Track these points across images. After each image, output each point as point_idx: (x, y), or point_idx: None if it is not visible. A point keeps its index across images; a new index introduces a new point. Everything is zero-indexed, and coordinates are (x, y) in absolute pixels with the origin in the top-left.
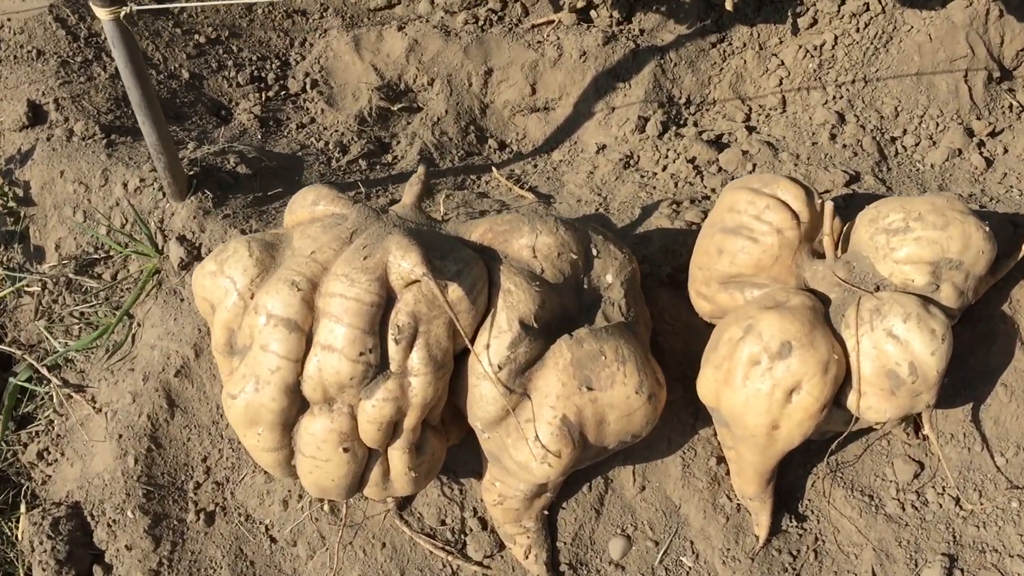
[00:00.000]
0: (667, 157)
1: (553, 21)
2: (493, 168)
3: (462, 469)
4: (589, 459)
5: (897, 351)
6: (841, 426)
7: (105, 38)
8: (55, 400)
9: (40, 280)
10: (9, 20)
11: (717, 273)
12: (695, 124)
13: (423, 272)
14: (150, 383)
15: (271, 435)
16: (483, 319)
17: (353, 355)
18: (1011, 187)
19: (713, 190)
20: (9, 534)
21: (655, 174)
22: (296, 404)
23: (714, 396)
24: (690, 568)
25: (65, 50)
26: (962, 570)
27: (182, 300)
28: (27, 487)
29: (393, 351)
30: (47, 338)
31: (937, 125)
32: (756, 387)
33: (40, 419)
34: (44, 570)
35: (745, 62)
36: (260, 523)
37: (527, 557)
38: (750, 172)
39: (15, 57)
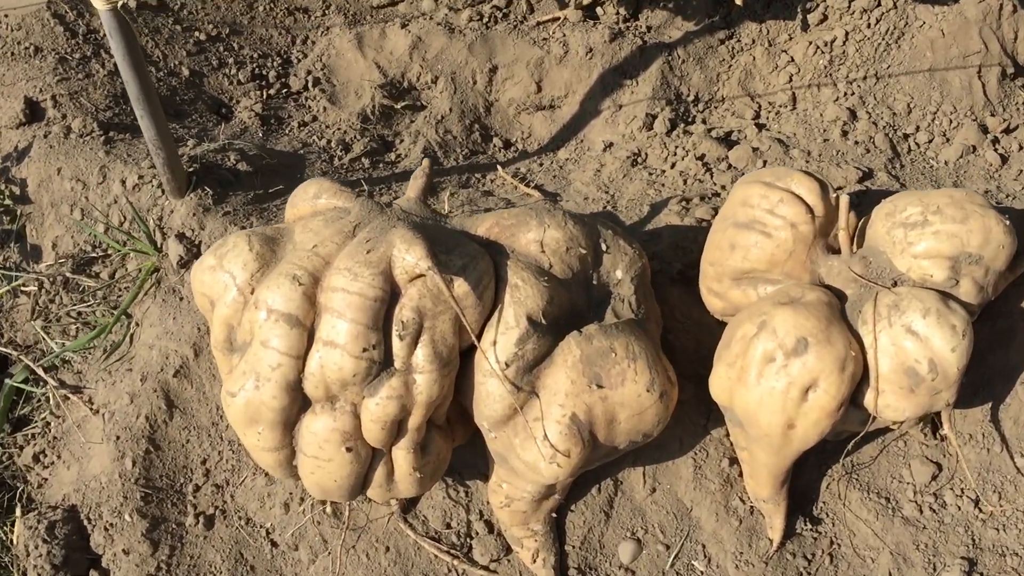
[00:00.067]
0: (675, 154)
1: (559, 18)
2: (498, 166)
3: (468, 471)
4: (599, 459)
5: (916, 348)
6: (857, 426)
7: (104, 35)
8: (52, 402)
9: (37, 279)
10: (6, 16)
11: (729, 269)
12: (704, 121)
13: (428, 266)
14: (148, 383)
15: (272, 434)
16: (490, 315)
17: (356, 351)
18: None
19: (723, 187)
20: (4, 538)
21: (663, 172)
22: (297, 402)
23: (727, 395)
24: (702, 572)
25: (63, 46)
26: (981, 574)
27: (181, 299)
28: (23, 490)
29: (397, 347)
30: (44, 338)
31: (951, 122)
32: (771, 385)
33: (36, 421)
34: (39, 575)
35: (754, 59)
36: (261, 527)
37: (535, 561)
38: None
39: (12, 54)
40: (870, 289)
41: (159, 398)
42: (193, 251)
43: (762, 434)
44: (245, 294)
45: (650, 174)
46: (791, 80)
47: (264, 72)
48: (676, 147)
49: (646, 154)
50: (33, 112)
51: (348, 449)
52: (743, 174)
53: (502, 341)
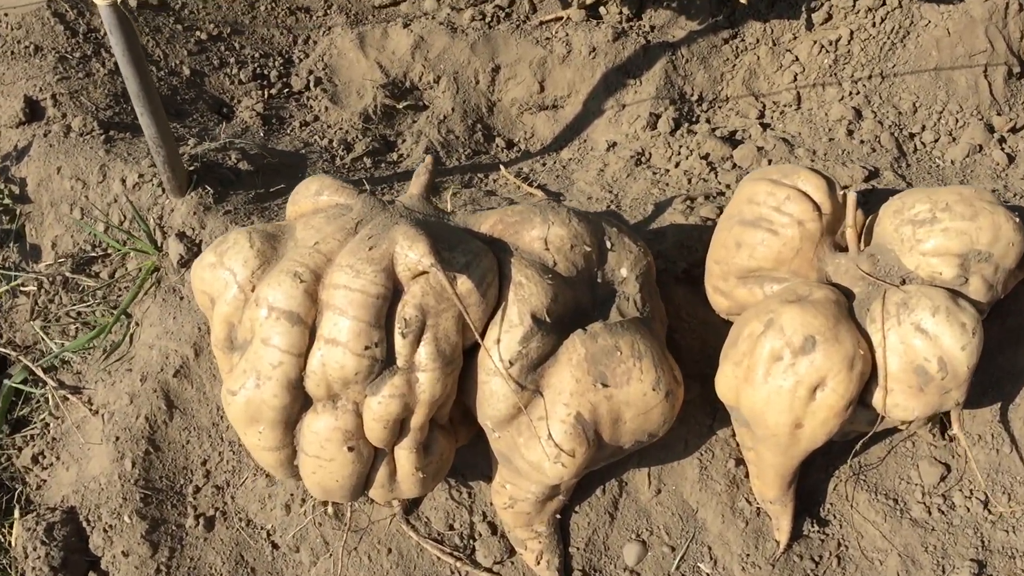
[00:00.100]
0: (679, 154)
1: (561, 18)
2: (501, 166)
3: (471, 471)
4: (604, 459)
5: (926, 346)
6: (865, 426)
7: (104, 33)
8: (51, 402)
9: (36, 279)
10: (6, 15)
11: (735, 267)
12: (708, 121)
13: (431, 263)
14: (148, 384)
15: (272, 433)
16: (493, 313)
17: (358, 349)
18: None
19: (728, 186)
20: (2, 540)
21: (667, 171)
22: (299, 401)
23: (733, 394)
24: (708, 575)
25: (63, 45)
26: None
27: (182, 298)
28: (21, 492)
29: (400, 345)
30: (43, 339)
31: (957, 121)
32: (778, 384)
33: (35, 422)
34: None
35: (758, 58)
36: (261, 528)
37: (538, 563)
38: None
39: (12, 53)
40: (878, 287)
41: (159, 398)
42: (193, 250)
43: (769, 434)
44: (246, 291)
45: (654, 173)
46: (796, 79)
47: (265, 72)
48: (680, 146)
49: (650, 154)
50: (33, 111)
51: (350, 448)
52: (748, 173)
53: (506, 339)
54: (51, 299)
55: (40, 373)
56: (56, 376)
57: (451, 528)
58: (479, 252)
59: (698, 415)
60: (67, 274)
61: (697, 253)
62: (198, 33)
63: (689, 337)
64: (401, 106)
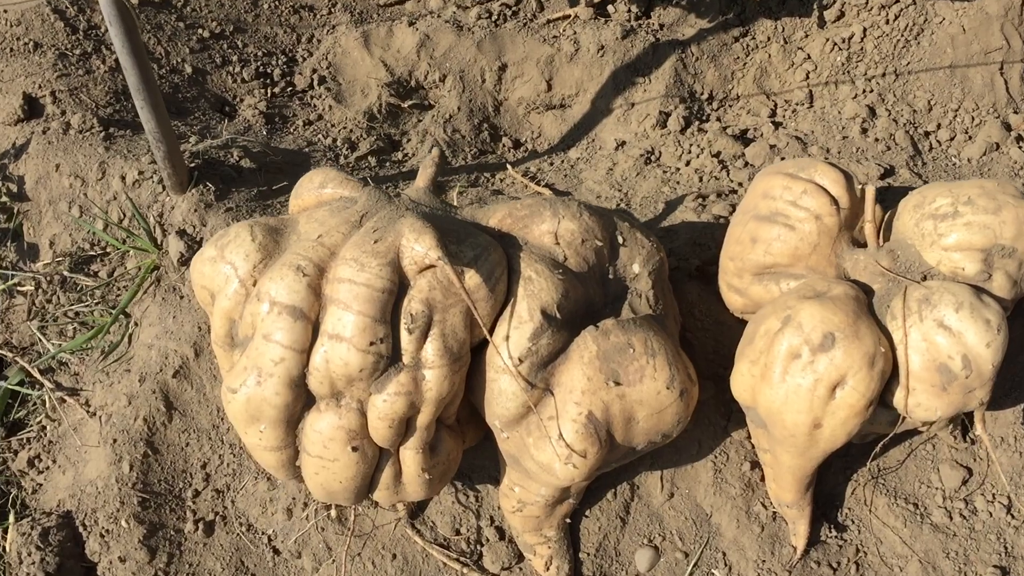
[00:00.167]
0: (690, 152)
1: (569, 16)
2: (508, 165)
3: (478, 474)
4: (616, 461)
5: (949, 343)
6: (885, 427)
7: (105, 30)
8: (47, 405)
9: (33, 279)
10: (5, 11)
11: (750, 264)
12: (718, 120)
13: (438, 256)
14: (147, 384)
15: (274, 433)
16: (502, 309)
17: (363, 345)
18: None
19: (740, 184)
20: None
21: (678, 169)
22: (301, 399)
23: (750, 393)
24: None
25: (63, 42)
26: None
27: (182, 297)
28: (16, 496)
29: (406, 341)
30: (40, 340)
31: (973, 119)
32: (796, 382)
33: (32, 425)
34: None
35: (770, 56)
36: (263, 533)
37: (548, 569)
38: None
39: (11, 50)
40: (898, 283)
41: (158, 399)
42: (194, 248)
43: (787, 435)
44: (247, 286)
45: (664, 172)
46: (808, 77)
47: (269, 70)
48: (691, 145)
49: (660, 152)
50: (32, 108)
51: (354, 448)
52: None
53: (515, 336)
54: (49, 299)
55: (37, 375)
56: (53, 378)
57: (458, 533)
58: (488, 246)
59: (712, 416)
60: (65, 273)
61: (710, 251)
62: (200, 31)
63: (702, 336)
64: (406, 105)
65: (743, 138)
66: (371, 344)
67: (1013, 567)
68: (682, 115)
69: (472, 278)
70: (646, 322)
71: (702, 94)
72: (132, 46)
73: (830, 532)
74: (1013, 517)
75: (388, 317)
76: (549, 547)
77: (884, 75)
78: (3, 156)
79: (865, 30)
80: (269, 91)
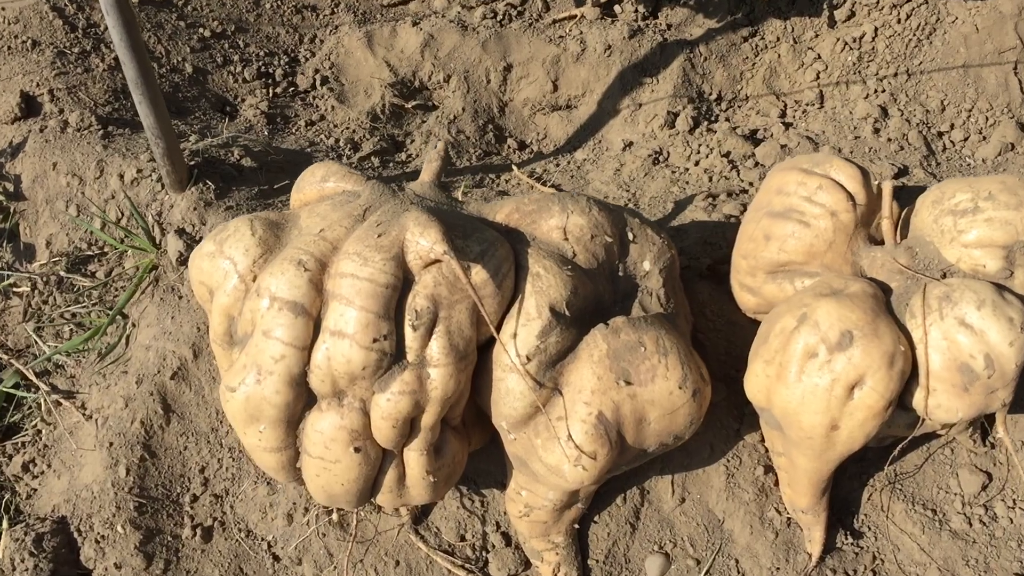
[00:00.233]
0: (699, 152)
1: (575, 16)
2: (514, 166)
3: (484, 478)
4: (626, 463)
5: (971, 342)
6: (903, 430)
7: (104, 28)
8: (43, 408)
9: (29, 279)
10: (3, 9)
11: (764, 261)
12: (727, 120)
13: (444, 250)
14: (144, 386)
15: (274, 433)
16: (509, 306)
17: (366, 342)
18: None
19: (751, 184)
20: None
21: (687, 169)
22: (302, 398)
23: (764, 394)
24: None
25: (62, 40)
26: None
27: (180, 297)
28: (10, 501)
29: (410, 339)
30: (36, 341)
31: (987, 119)
32: (813, 382)
33: (27, 429)
34: None
35: (779, 56)
36: (262, 539)
37: None
38: None
39: (9, 48)
40: (917, 281)
41: (155, 402)
42: (193, 247)
43: (803, 436)
44: (247, 282)
45: (673, 172)
46: (818, 77)
47: (270, 70)
48: (700, 145)
49: (668, 152)
50: (29, 107)
51: (356, 449)
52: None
53: (523, 333)
54: (45, 300)
55: (32, 377)
56: (49, 380)
57: (463, 539)
58: (494, 241)
59: (724, 419)
60: (62, 274)
61: (721, 250)
62: (201, 30)
63: (714, 337)
64: (410, 106)
65: (753, 138)
66: (374, 341)
67: None
68: (690, 115)
69: (479, 274)
70: (657, 320)
71: (711, 94)
72: (131, 40)
73: (846, 539)
74: None
75: (392, 313)
76: (557, 553)
77: (896, 75)
78: (0, 155)
79: (876, 30)
80: (271, 91)
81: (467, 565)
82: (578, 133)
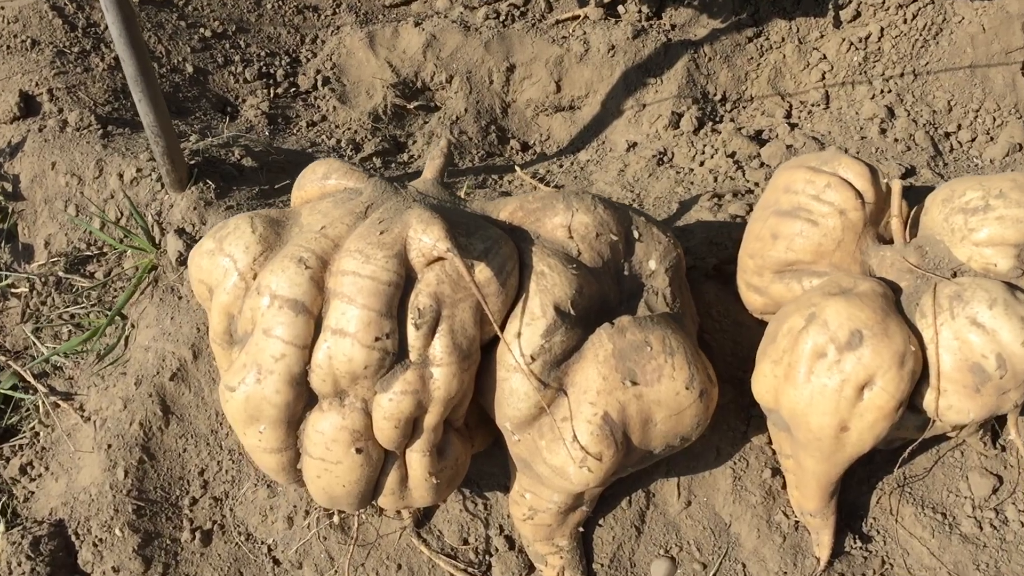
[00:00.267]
0: (704, 153)
1: (579, 16)
2: (516, 167)
3: (487, 481)
4: (632, 465)
5: (983, 341)
6: (913, 432)
7: (104, 28)
8: (41, 410)
9: (27, 280)
10: (2, 8)
11: (771, 261)
12: (732, 120)
13: (447, 247)
14: (143, 388)
15: (274, 433)
16: (513, 305)
17: (368, 340)
18: None
19: (756, 184)
20: None
21: (692, 170)
22: (303, 398)
23: (772, 395)
24: None
25: (61, 40)
26: None
27: (180, 298)
28: (7, 504)
29: (413, 337)
30: (34, 343)
31: (994, 120)
32: (822, 383)
33: (24, 431)
34: None
35: (784, 57)
36: (262, 543)
37: None
38: None
39: (8, 47)
40: (928, 280)
41: (154, 403)
42: (193, 247)
43: (812, 438)
44: (247, 279)
45: (677, 173)
46: (824, 78)
47: (272, 71)
48: (704, 145)
49: (672, 153)
50: (28, 106)
51: (358, 450)
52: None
53: (527, 332)
54: (43, 301)
55: (30, 379)
56: (47, 382)
57: (465, 543)
58: (498, 239)
59: (731, 421)
60: (60, 274)
61: (727, 250)
62: (202, 30)
63: (720, 338)
64: (412, 106)
65: (758, 139)
66: (376, 339)
67: None
68: (695, 116)
69: (482, 272)
70: (664, 320)
71: (715, 95)
72: (130, 36)
73: (855, 543)
74: None
75: (394, 312)
76: (561, 557)
77: (902, 75)
78: None
79: (882, 30)
80: (272, 92)
81: (470, 569)
82: (581, 134)
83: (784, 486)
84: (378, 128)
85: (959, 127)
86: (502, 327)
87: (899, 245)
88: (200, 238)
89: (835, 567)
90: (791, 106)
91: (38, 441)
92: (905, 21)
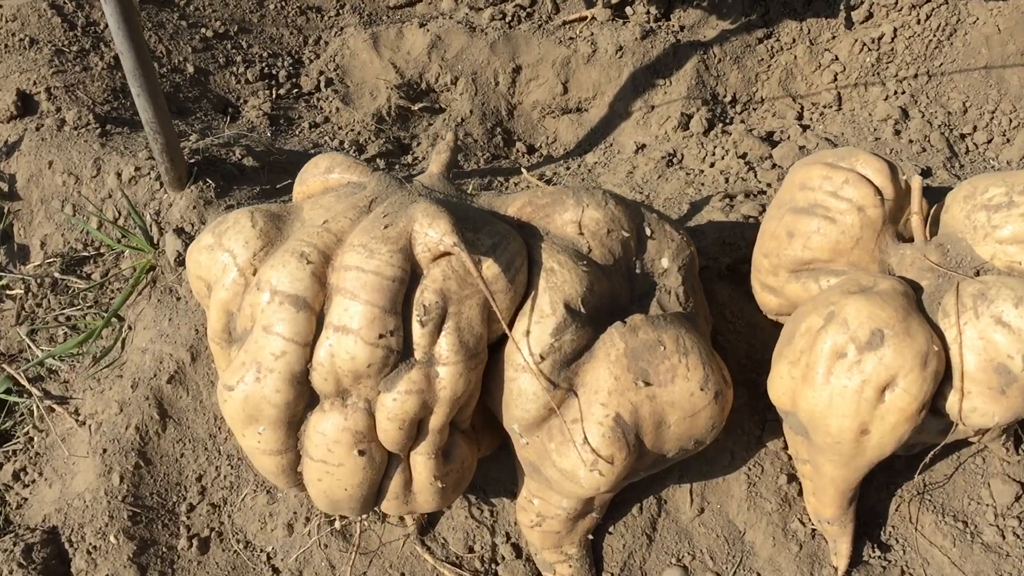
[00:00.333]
0: (714, 154)
1: (586, 17)
2: (523, 169)
3: (493, 487)
4: (644, 469)
5: (1008, 341)
6: (935, 436)
7: (104, 27)
8: (35, 414)
9: (23, 281)
10: (1, 6)
11: (787, 260)
12: (743, 122)
13: (454, 242)
14: (139, 390)
15: (274, 435)
16: (522, 303)
17: (371, 337)
18: None
19: (769, 185)
20: None
21: (702, 171)
22: (304, 397)
23: (789, 397)
24: None
25: (60, 38)
26: None
27: (178, 299)
28: None
29: (418, 335)
30: (29, 346)
31: (1010, 121)
32: (842, 384)
33: (18, 436)
34: None
35: (795, 58)
36: (261, 551)
37: None
38: None
39: (6, 45)
40: (950, 279)
41: (151, 407)
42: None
43: (831, 442)
44: (246, 275)
45: (687, 174)
46: (836, 79)
47: (274, 72)
48: (715, 147)
49: (682, 154)
50: (26, 105)
51: (361, 452)
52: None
53: (536, 331)
54: (39, 303)
55: (25, 382)
56: (42, 386)
57: (471, 551)
58: (507, 234)
59: (746, 425)
60: (56, 275)
61: (740, 250)
62: (203, 30)
63: (734, 339)
64: (416, 108)
65: (770, 140)
66: (380, 337)
67: None
68: (705, 117)
69: (490, 267)
70: (677, 319)
71: (725, 96)
72: (128, 27)
73: (873, 552)
74: None
75: (399, 308)
76: (570, 566)
77: (916, 76)
78: None
79: (895, 30)
80: (274, 92)
81: None
82: (589, 136)
83: (800, 493)
84: (382, 130)
85: (975, 129)
86: (510, 325)
87: (919, 243)
88: None
89: None
90: (803, 108)
91: (32, 446)
92: (918, 22)
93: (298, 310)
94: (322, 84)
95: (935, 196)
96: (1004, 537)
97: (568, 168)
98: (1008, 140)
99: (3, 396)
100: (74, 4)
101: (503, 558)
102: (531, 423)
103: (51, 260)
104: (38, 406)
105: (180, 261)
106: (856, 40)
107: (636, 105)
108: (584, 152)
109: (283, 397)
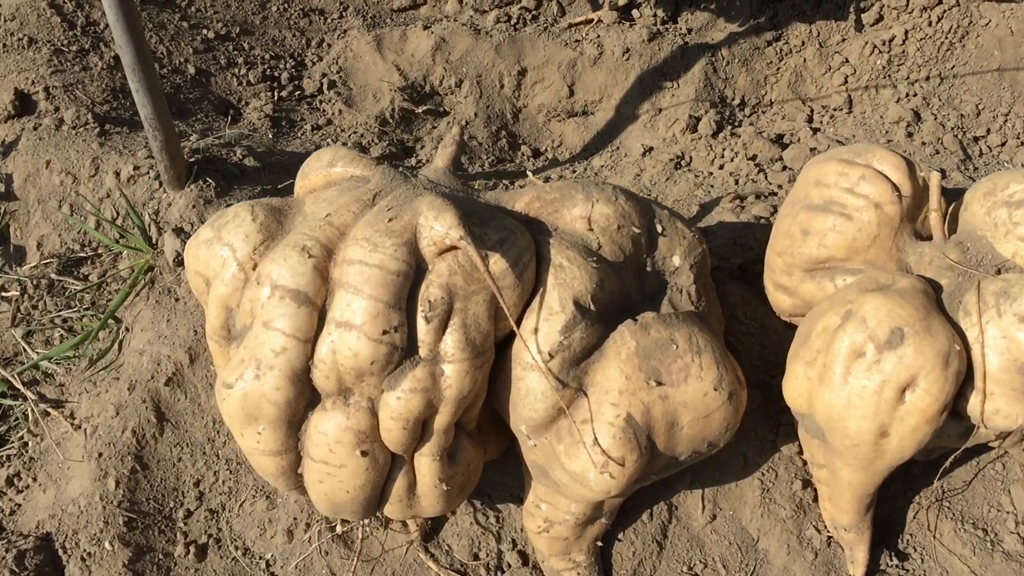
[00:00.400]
0: (723, 156)
1: (592, 20)
2: (528, 172)
3: (499, 492)
4: (655, 472)
5: None
6: (955, 441)
7: (104, 26)
8: (30, 418)
9: (19, 283)
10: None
11: (801, 258)
12: (752, 125)
13: (460, 235)
14: (136, 393)
15: (274, 434)
16: (530, 300)
17: (375, 333)
18: None
19: (780, 186)
20: None
21: (711, 173)
22: (305, 396)
23: (805, 398)
24: None
25: (59, 38)
26: None
27: (177, 299)
28: None
29: (423, 332)
30: (24, 348)
31: None
32: (861, 384)
33: (13, 440)
34: None
35: (805, 61)
36: (260, 558)
37: None
38: None
39: (4, 45)
40: (970, 277)
41: (148, 410)
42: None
43: (849, 444)
44: (246, 270)
45: (696, 176)
46: (846, 82)
47: (276, 73)
48: (724, 149)
49: (690, 157)
50: (24, 105)
51: (363, 453)
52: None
53: (545, 328)
54: (34, 305)
55: (19, 386)
56: (37, 389)
57: (476, 557)
58: (514, 229)
59: (759, 429)
60: (53, 276)
61: (752, 251)
62: (205, 31)
63: (747, 341)
64: (420, 110)
65: (779, 143)
66: (384, 333)
67: None
68: (713, 120)
69: (498, 263)
70: (690, 318)
71: (733, 99)
72: (128, 22)
73: (891, 560)
74: None
75: (403, 304)
76: (578, 573)
77: (928, 79)
78: None
79: (907, 33)
80: (276, 94)
81: None
82: (595, 139)
83: (816, 499)
84: (385, 132)
85: (988, 131)
86: (518, 322)
87: (938, 241)
88: None
89: None
90: (812, 110)
91: (26, 451)
92: (930, 24)
93: (299, 305)
94: (325, 86)
95: (950, 198)
96: None
97: (574, 171)
98: (1022, 143)
99: None
100: (73, 3)
101: (509, 565)
102: (539, 424)
103: (48, 261)
104: (33, 410)
105: (179, 261)
106: (867, 42)
107: (643, 108)
108: (590, 155)
109: (283, 395)
